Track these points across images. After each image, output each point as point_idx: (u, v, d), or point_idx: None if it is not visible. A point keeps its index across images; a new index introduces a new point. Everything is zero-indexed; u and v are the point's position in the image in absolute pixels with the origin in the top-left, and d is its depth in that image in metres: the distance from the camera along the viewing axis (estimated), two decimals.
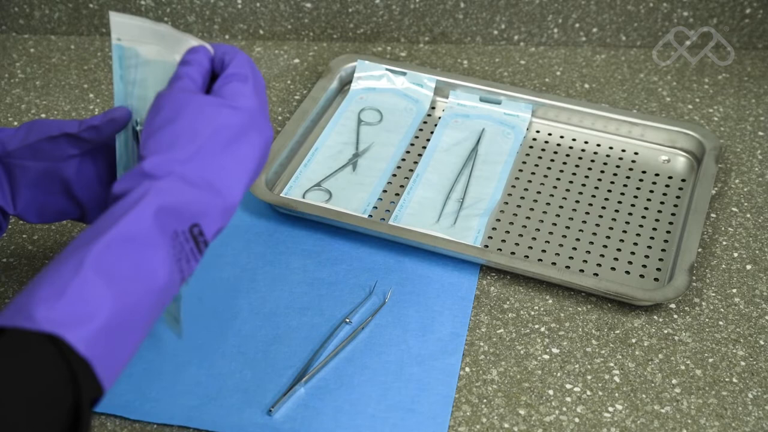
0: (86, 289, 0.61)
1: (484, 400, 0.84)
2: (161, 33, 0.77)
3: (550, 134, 1.12)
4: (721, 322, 0.92)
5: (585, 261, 0.97)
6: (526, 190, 1.05)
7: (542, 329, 0.90)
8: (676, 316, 0.92)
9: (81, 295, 0.61)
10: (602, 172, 1.07)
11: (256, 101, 0.72)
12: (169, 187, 0.66)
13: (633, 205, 1.03)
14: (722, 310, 0.93)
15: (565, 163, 1.08)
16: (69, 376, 0.59)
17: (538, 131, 1.12)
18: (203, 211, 0.68)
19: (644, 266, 0.96)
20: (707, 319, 0.92)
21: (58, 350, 0.59)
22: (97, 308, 0.61)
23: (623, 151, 1.10)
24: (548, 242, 0.99)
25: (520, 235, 0.99)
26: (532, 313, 0.92)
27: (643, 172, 1.07)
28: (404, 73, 1.16)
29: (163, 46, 0.77)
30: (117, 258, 0.63)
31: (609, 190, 1.05)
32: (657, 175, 1.07)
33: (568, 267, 0.96)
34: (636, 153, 1.09)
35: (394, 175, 1.06)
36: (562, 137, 1.11)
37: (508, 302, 0.93)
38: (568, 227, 1.00)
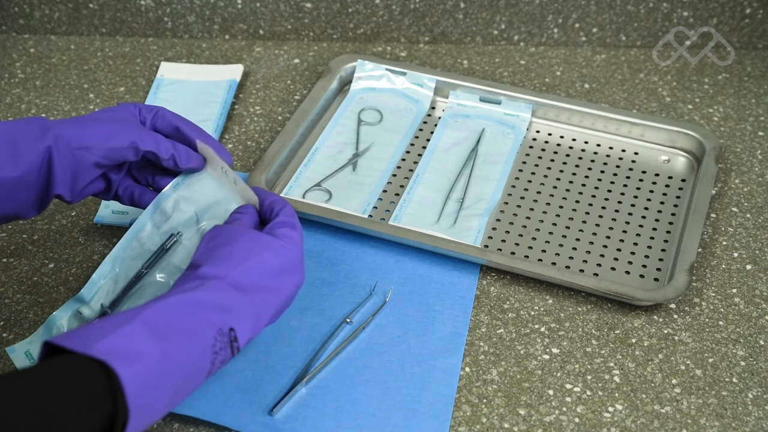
0: (134, 337, 0.67)
1: (484, 400, 0.84)
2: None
3: (550, 134, 1.12)
4: (721, 322, 0.92)
5: (585, 261, 0.97)
6: (526, 190, 1.05)
7: (542, 329, 0.91)
8: (676, 316, 0.92)
9: (127, 339, 0.66)
10: (602, 172, 1.07)
11: (299, 248, 0.80)
12: (218, 286, 0.73)
13: (633, 205, 1.03)
14: (722, 310, 0.93)
15: (565, 163, 1.08)
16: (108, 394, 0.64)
17: (538, 131, 1.12)
18: (239, 313, 0.74)
19: (644, 266, 0.96)
20: (707, 319, 0.92)
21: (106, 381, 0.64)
22: (141, 355, 0.66)
23: (623, 151, 1.10)
24: (548, 242, 0.99)
25: (520, 235, 0.99)
26: (532, 313, 0.92)
27: (643, 172, 1.07)
28: (404, 73, 1.16)
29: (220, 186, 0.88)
30: (168, 320, 0.69)
31: (609, 190, 1.05)
32: (657, 175, 1.07)
33: (568, 267, 0.96)
34: (636, 153, 1.09)
35: (394, 175, 1.06)
36: (562, 137, 1.11)
37: (508, 302, 0.93)
38: (568, 227, 1.00)
